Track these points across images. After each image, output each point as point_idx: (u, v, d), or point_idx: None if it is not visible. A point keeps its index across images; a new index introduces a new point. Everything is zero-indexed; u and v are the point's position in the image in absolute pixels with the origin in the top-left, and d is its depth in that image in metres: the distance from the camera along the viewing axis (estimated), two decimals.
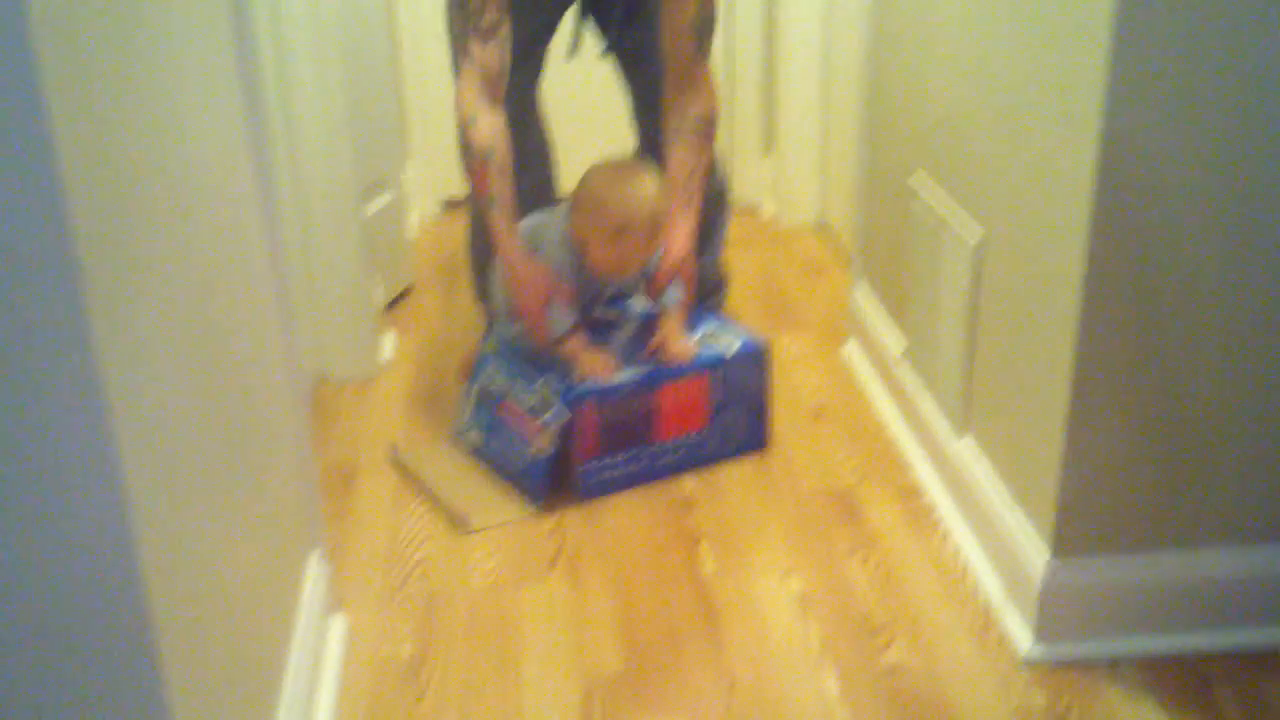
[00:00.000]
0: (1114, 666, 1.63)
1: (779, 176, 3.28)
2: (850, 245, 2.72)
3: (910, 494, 2.04)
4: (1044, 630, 1.63)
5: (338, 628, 1.69)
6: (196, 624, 1.05)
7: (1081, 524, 1.59)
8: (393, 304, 2.78)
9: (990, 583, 1.77)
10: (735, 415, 2.12)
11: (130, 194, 0.97)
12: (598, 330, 2.12)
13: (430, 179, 3.37)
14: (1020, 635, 1.67)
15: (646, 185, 2.02)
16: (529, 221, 2.17)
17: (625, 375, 2.01)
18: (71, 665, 0.90)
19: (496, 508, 2.00)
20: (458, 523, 1.95)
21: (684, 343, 2.10)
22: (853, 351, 2.52)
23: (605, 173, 2.05)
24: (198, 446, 1.11)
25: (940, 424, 2.00)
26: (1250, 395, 1.54)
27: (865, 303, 2.45)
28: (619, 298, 2.20)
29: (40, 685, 0.89)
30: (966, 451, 1.88)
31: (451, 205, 3.43)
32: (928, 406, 2.06)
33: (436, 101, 3.31)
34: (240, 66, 1.40)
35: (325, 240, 2.38)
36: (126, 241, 0.94)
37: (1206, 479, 1.58)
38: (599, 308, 2.17)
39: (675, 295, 2.14)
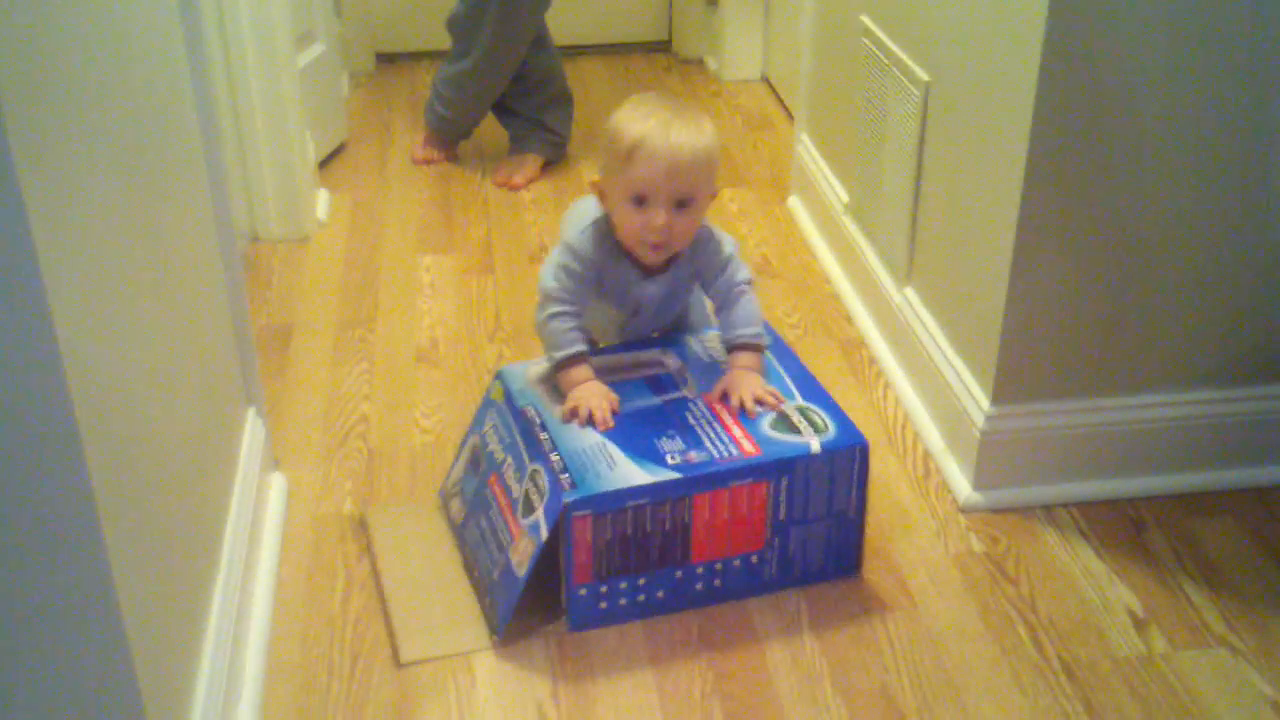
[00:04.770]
0: (1050, 511, 1.66)
1: (722, 31, 3.21)
2: (794, 100, 2.67)
3: (853, 346, 2.04)
4: (982, 478, 1.65)
5: (277, 485, 1.67)
6: (133, 475, 1.03)
7: (1021, 371, 1.60)
8: (325, 161, 2.70)
9: (930, 433, 1.79)
10: (811, 533, 1.53)
11: (51, 33, 0.92)
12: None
13: (362, 33, 3.26)
14: (959, 483, 1.69)
15: (696, 119, 1.52)
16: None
17: (640, 478, 1.44)
18: (6, 521, 0.87)
19: (442, 634, 1.48)
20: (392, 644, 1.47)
21: (761, 386, 1.55)
22: (796, 206, 2.50)
23: (644, 101, 1.54)
24: (128, 296, 1.08)
25: (883, 276, 2.00)
26: (1192, 240, 1.54)
27: (809, 157, 2.42)
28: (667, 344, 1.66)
29: None
30: (909, 303, 1.88)
31: (385, 59, 3.33)
32: (871, 259, 2.05)
33: None
34: None
35: (256, 91, 2.29)
36: (50, 87, 0.90)
37: (1147, 324, 1.59)
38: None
39: (750, 316, 1.59)
